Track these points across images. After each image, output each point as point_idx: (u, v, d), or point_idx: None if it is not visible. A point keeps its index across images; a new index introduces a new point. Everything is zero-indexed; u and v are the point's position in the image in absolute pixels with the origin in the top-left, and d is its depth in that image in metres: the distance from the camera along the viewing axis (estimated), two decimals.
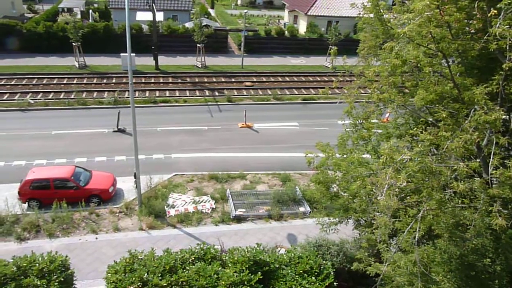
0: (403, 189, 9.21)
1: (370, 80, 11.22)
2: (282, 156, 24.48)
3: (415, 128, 8.88)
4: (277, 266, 12.02)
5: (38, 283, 11.19)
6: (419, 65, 9.55)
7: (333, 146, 13.14)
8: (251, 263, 11.75)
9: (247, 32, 42.14)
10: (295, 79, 38.63)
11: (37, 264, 11.73)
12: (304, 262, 12.14)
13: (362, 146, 12.79)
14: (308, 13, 50.44)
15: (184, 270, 11.64)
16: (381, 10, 11.25)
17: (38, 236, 16.77)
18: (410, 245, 9.11)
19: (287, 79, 38.44)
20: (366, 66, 12.04)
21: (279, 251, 14.97)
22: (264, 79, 37.89)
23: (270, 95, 34.02)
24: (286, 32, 46.65)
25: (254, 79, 37.64)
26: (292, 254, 12.62)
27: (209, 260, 12.16)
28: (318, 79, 39.02)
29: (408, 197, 9.31)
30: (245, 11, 43.01)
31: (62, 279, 11.72)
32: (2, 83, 32.95)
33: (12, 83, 33.13)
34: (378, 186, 9.16)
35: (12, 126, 26.09)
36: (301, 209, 19.06)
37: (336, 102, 31.79)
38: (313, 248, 14.42)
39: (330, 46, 40.27)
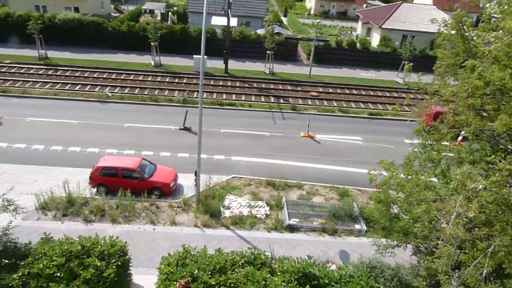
0: (472, 220, 8.57)
1: (446, 100, 10.62)
2: (342, 170, 23.92)
3: (492, 156, 8.22)
4: (327, 282, 11.73)
5: (98, 264, 11.93)
6: (503, 88, 8.85)
7: (398, 165, 12.58)
8: (300, 274, 11.59)
9: (317, 41, 41.92)
10: (363, 92, 37.67)
11: (99, 246, 12.52)
12: (355, 282, 11.73)
13: (430, 169, 12.09)
14: (383, 26, 49.03)
15: (233, 272, 11.76)
16: (465, 27, 10.60)
17: (102, 220, 17.89)
18: (476, 282, 8.42)
19: (355, 92, 37.59)
20: (442, 85, 11.43)
21: (330, 266, 14.60)
22: (331, 90, 37.39)
23: (335, 106, 33.49)
24: (358, 44, 45.72)
25: (321, 90, 37.29)
26: (343, 272, 12.26)
27: (259, 265, 12.18)
28: (388, 94, 37.70)
29: (478, 229, 8.63)
30: (318, 21, 42.86)
31: (120, 263, 12.39)
32: (86, 75, 35.81)
33: (94, 76, 35.88)
34: (445, 213, 8.61)
35: (91, 115, 28.20)
36: (357, 226, 18.45)
37: (406, 120, 30.66)
38: (366, 269, 13.87)
39: (404, 62, 38.79)
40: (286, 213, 18.83)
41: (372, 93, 37.63)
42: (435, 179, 12.12)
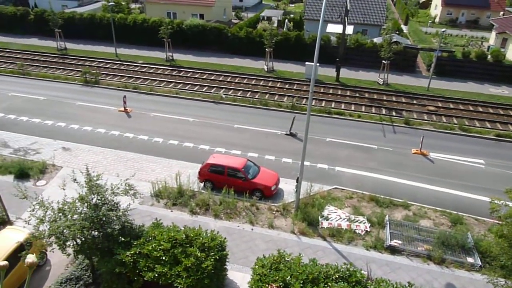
0: None
1: None
2: (457, 194, 21.63)
3: None
4: None
5: (199, 254, 12.66)
6: None
7: None
8: None
9: (440, 52, 38.70)
10: (491, 110, 33.62)
11: (201, 238, 13.29)
12: None
13: None
14: None
15: (326, 286, 11.45)
16: None
17: (206, 213, 18.98)
18: None
19: (480, 109, 33.76)
20: None
21: None
22: (452, 106, 34.16)
23: (455, 124, 30.49)
24: (489, 57, 40.95)
25: (439, 104, 34.32)
26: None
27: (353, 283, 11.67)
28: None
29: None
30: (443, 29, 39.53)
31: (218, 257, 12.99)
32: (204, 77, 38.54)
33: (212, 78, 38.40)
34: None
35: (205, 114, 30.22)
36: (470, 259, 16.46)
37: None
38: None
39: None
40: (388, 232, 17.69)
41: (501, 112, 33.37)
42: None
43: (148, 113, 30.11)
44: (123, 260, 12.63)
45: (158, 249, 12.79)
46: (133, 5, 66.11)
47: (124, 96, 30.54)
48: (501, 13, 66.58)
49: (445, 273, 16.04)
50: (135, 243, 13.08)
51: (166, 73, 39.39)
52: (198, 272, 12.34)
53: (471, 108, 33.94)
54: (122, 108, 30.34)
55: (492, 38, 53.26)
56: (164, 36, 40.45)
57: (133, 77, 37.72)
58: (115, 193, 13.44)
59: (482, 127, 30.56)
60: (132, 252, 12.77)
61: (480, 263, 16.22)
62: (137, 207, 18.47)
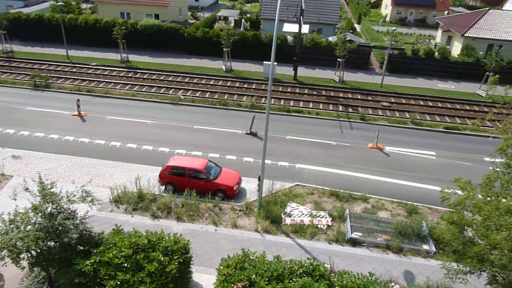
0: None
1: None
2: (412, 185, 22.65)
3: None
4: None
5: (162, 259, 12.45)
6: None
7: (476, 185, 11.63)
8: None
9: (392, 50, 40.30)
10: (439, 104, 35.45)
11: (163, 242, 13.07)
12: None
13: None
14: (466, 34, 45.86)
15: (291, 281, 11.62)
16: None
17: (168, 217, 18.67)
18: None
19: (430, 103, 35.52)
20: None
21: (393, 286, 13.87)
22: (404, 101, 35.71)
23: (408, 118, 31.90)
24: (437, 53, 43.15)
25: (393, 100, 35.74)
26: None
27: (317, 277, 11.92)
28: (467, 107, 35.11)
29: None
30: (393, 28, 41.19)
31: (182, 260, 12.84)
32: (161, 78, 37.88)
33: (169, 79, 37.81)
34: None
35: (164, 116, 29.72)
36: (425, 247, 17.30)
37: (488, 137, 28.32)
38: None
39: (488, 73, 35.93)
40: (348, 225, 18.23)
41: (449, 106, 35.29)
42: None
43: (104, 117, 29.19)
44: (83, 269, 12.19)
45: (120, 256, 12.45)
46: (83, 5, 63.69)
47: (78, 100, 29.42)
48: (446, 12, 70.32)
49: (403, 261, 16.75)
50: (94, 251, 12.66)
51: (121, 75, 38.33)
52: (162, 276, 12.14)
53: (421, 103, 35.61)
54: (76, 112, 29.21)
55: (438, 36, 56.10)
56: (118, 37, 39.33)
57: (86, 80, 36.40)
58: (71, 201, 12.93)
59: (432, 120, 32.18)
60: (92, 261, 12.35)
61: (435, 250, 17.09)
62: (96, 214, 17.88)
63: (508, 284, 10.25)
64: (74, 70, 38.92)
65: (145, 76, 38.16)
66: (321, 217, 18.98)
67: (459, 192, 11.53)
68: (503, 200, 10.56)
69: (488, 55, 38.11)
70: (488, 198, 11.12)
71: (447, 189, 11.47)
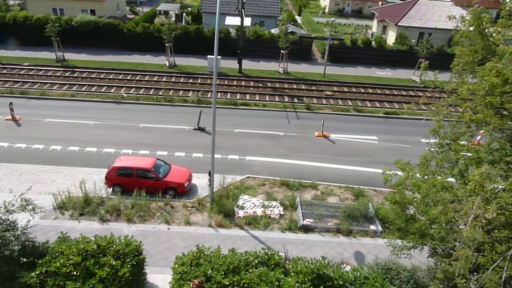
0: (491, 221, 8.35)
1: (463, 99, 10.38)
2: (357, 170, 23.67)
3: None
4: (341, 283, 11.61)
5: (114, 263, 12.05)
6: None
7: (414, 165, 12.38)
8: (314, 275, 11.50)
9: (332, 40, 41.59)
10: (379, 91, 37.22)
11: (114, 245, 12.65)
12: (370, 284, 11.58)
13: (447, 169, 11.86)
14: (399, 24, 48.38)
15: (247, 273, 11.74)
16: (484, 23, 10.34)
17: (118, 219, 18.08)
18: (495, 285, 8.19)
19: (370, 91, 37.18)
20: (460, 83, 11.19)
21: (344, 268, 14.46)
22: (346, 89, 37.07)
23: (350, 106, 33.19)
24: (373, 43, 45.17)
25: (335, 89, 36.99)
26: (358, 273, 12.11)
27: (272, 266, 12.13)
28: (404, 93, 37.18)
29: (497, 231, 8.40)
30: (332, 19, 42.51)
31: (135, 263, 12.50)
32: (102, 76, 36.32)
33: (110, 77, 36.35)
34: (462, 214, 8.42)
35: (107, 116, 28.58)
36: (372, 227, 18.22)
37: (421, 119, 30.16)
38: (382, 271, 13.69)
39: (420, 60, 38.17)
40: (300, 213, 18.72)
41: (388, 92, 37.15)
42: (452, 180, 11.88)
43: (42, 120, 27.50)
44: (28, 282, 11.50)
45: (67, 264, 11.88)
46: (11, 1, 59.27)
47: (11, 103, 27.45)
48: (380, 3, 73.60)
49: (353, 242, 17.52)
50: (40, 262, 11.97)
51: (58, 74, 36.21)
52: (115, 281, 11.76)
53: (362, 90, 37.16)
54: (10, 117, 27.27)
55: (374, 26, 58.64)
56: (51, 35, 37.03)
57: (19, 81, 33.97)
58: (10, 211, 12.10)
59: (373, 107, 33.73)
60: (37, 273, 11.68)
61: (381, 229, 18.03)
62: (39, 222, 16.92)
63: (447, 255, 11.06)
64: (5, 71, 36.16)
65: (84, 75, 36.37)
66: (273, 207, 19.31)
67: (400, 173, 12.21)
68: (438, 177, 11.34)
69: (420, 43, 40.49)
70: (426, 177, 11.88)
71: (389, 171, 12.09)
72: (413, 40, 46.00)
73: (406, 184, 12.02)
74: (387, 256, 14.02)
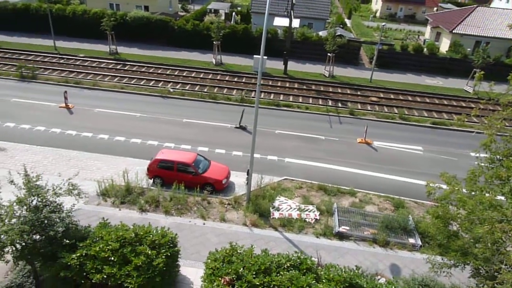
0: None
1: None
2: (399, 180, 22.89)
3: None
4: None
5: (149, 252, 12.40)
6: None
7: (461, 179, 11.78)
8: (347, 284, 11.25)
9: (381, 45, 40.49)
10: (427, 100, 35.80)
11: (151, 235, 13.01)
12: None
13: (497, 186, 11.17)
14: (454, 31, 46.30)
15: (278, 275, 11.68)
16: None
17: (156, 210, 18.60)
18: None
19: (418, 99, 35.83)
20: None
21: (378, 279, 14.03)
22: (392, 96, 35.97)
23: (396, 113, 32.15)
24: (425, 50, 43.51)
25: (381, 95, 36.00)
26: (393, 287, 11.70)
27: (304, 270, 11.99)
28: (454, 103, 35.53)
29: None
30: (383, 24, 41.39)
31: (169, 254, 12.79)
32: (151, 71, 37.51)
33: (159, 72, 37.46)
34: (511, 236, 7.89)
35: (153, 109, 29.47)
36: (411, 240, 17.54)
37: (472, 132, 28.69)
38: (418, 287, 13.15)
39: (475, 69, 36.33)
40: (336, 219, 18.38)
41: (437, 101, 35.67)
42: (502, 198, 11.18)
43: (92, 109, 28.84)
44: (68, 263, 12.08)
45: (106, 249, 12.36)
46: None
47: (65, 92, 29.00)
48: (435, 8, 70.82)
49: (389, 254, 16.96)
50: (81, 245, 12.54)
51: (110, 67, 37.84)
52: (149, 270, 12.09)
53: (409, 98, 35.89)
54: (63, 104, 28.82)
55: (427, 32, 56.48)
56: (107, 29, 38.77)
57: (74, 72, 35.87)
58: (57, 194, 12.75)
59: (420, 116, 32.48)
60: (78, 255, 12.24)
61: (420, 243, 17.33)
62: (82, 207, 17.72)
63: (491, 277, 10.44)
64: (62, 61, 38.31)
65: (134, 69, 37.76)
66: (309, 211, 19.08)
67: (444, 186, 11.67)
68: (487, 194, 10.72)
69: (475, 52, 38.51)
70: (473, 193, 11.27)
71: (433, 183, 11.60)
72: (468, 49, 43.81)
73: (451, 199, 11.47)
74: (425, 272, 13.46)
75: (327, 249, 16.91)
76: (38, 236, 12.23)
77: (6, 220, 11.85)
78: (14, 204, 12.24)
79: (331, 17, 52.74)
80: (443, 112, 33.37)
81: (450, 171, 12.26)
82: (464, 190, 11.38)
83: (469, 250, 11.03)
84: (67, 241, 12.59)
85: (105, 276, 11.92)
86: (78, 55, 39.73)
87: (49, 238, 12.25)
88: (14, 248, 12.16)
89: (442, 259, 12.08)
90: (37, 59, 38.18)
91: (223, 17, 54.60)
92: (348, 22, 63.94)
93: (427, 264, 12.41)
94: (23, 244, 12.03)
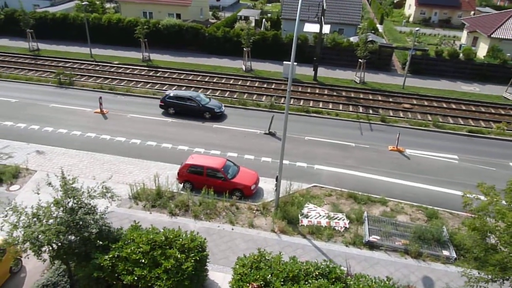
0: None
1: None
2: (433, 189, 22.18)
3: None
4: None
5: (179, 256, 12.56)
6: None
7: (500, 190, 11.30)
8: None
9: (414, 51, 39.58)
10: (463, 107, 34.63)
11: (180, 239, 13.19)
12: None
13: None
14: (492, 36, 44.67)
15: (306, 283, 11.55)
16: None
17: (186, 215, 18.83)
18: None
19: (453, 106, 34.72)
20: None
21: None
22: (426, 103, 35.01)
23: (429, 121, 31.25)
24: (461, 55, 42.16)
25: (414, 102, 35.12)
26: None
27: (333, 280, 11.81)
28: (492, 111, 34.18)
29: None
30: (416, 29, 40.48)
31: (198, 258, 12.91)
32: (182, 77, 38.23)
33: (189, 78, 38.13)
34: None
35: (184, 115, 29.86)
36: (445, 252, 16.92)
37: None
38: None
39: None
40: (366, 228, 17.99)
41: (473, 109, 34.42)
42: None
43: (125, 115, 29.66)
44: (101, 264, 12.41)
45: (137, 251, 12.63)
46: (107, 5, 64.91)
47: (100, 97, 29.99)
48: (472, 12, 68.63)
49: (422, 266, 16.42)
50: (113, 246, 12.86)
51: (142, 73, 38.87)
52: (178, 273, 12.24)
53: (444, 105, 34.84)
54: (98, 110, 29.79)
55: (463, 37, 54.78)
56: (140, 36, 39.90)
57: (109, 78, 37.08)
58: (92, 196, 13.18)
59: (455, 123, 31.44)
60: (110, 256, 12.56)
61: (455, 256, 16.68)
62: (115, 210, 18.18)
63: None
64: (97, 68, 39.70)
65: (165, 75, 38.60)
66: (338, 219, 18.79)
67: (482, 197, 11.22)
68: None
69: None
70: None
71: (469, 194, 11.18)
72: (508, 54, 42.12)
73: (489, 211, 11.02)
74: (460, 286, 12.94)
75: (357, 258, 16.57)
76: (73, 237, 12.64)
77: (44, 221, 12.34)
78: (52, 205, 12.73)
79: (362, 22, 52.07)
80: (480, 120, 32.17)
81: (487, 181, 11.81)
82: (503, 202, 10.90)
83: (508, 264, 10.53)
84: (101, 242, 12.95)
85: (136, 278, 12.16)
86: (112, 62, 41.05)
87: (84, 239, 12.63)
88: (50, 248, 12.61)
89: (478, 273, 11.59)
90: (74, 66, 39.75)
91: (253, 24, 55.04)
92: (380, 27, 62.96)
93: (462, 277, 11.96)
94: (59, 244, 12.46)
